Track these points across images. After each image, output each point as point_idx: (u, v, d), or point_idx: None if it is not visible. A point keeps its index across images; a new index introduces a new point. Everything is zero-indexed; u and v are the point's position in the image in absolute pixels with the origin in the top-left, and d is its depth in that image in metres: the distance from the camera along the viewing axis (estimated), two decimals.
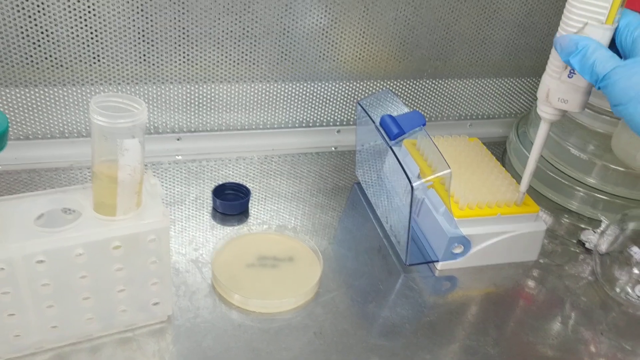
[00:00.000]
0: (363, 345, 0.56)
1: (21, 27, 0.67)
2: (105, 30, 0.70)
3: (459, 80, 0.90)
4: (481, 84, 0.92)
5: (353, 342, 0.56)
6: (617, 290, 0.67)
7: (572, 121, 0.79)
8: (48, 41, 0.69)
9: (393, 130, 0.61)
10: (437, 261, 0.66)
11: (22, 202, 0.49)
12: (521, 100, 0.96)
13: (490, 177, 0.69)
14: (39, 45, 0.69)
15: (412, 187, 0.58)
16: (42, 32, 0.68)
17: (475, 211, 0.65)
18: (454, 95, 0.92)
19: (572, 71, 0.56)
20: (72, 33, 0.69)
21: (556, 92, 0.58)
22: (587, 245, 0.73)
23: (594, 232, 0.73)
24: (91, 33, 0.70)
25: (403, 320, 0.59)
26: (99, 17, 0.69)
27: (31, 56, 0.69)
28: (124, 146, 0.45)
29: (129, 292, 0.51)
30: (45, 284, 0.47)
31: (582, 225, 0.77)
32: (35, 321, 0.49)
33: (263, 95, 0.82)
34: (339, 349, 0.55)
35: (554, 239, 0.74)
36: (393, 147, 0.62)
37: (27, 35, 0.68)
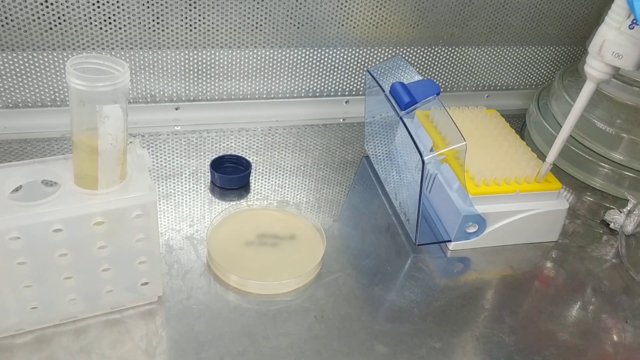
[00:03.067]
0: (367, 331, 0.52)
1: None
2: None
3: (476, 48, 0.85)
4: (500, 52, 0.86)
5: (356, 327, 0.52)
6: None
7: (598, 92, 0.73)
8: (36, 1, 0.64)
9: (404, 99, 0.57)
10: (450, 241, 0.61)
11: None
12: (543, 71, 0.90)
13: (509, 152, 0.64)
14: (26, 6, 0.64)
15: (423, 160, 0.53)
16: None
17: (492, 188, 0.60)
18: (471, 64, 0.86)
19: (634, 22, 0.51)
20: None
21: (612, 44, 0.53)
22: (611, 225, 0.68)
23: (620, 211, 0.68)
24: None
25: (411, 305, 0.55)
26: None
27: (18, 17, 0.65)
28: (104, 113, 0.41)
29: (114, 272, 0.48)
30: (21, 262, 0.43)
31: (606, 204, 0.72)
32: (13, 301, 0.45)
33: (267, 62, 0.77)
34: (341, 334, 0.51)
35: (576, 219, 0.70)
36: (404, 118, 0.57)
37: None
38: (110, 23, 0.68)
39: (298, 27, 0.75)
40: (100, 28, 0.68)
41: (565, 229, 0.67)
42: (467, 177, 0.60)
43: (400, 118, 0.56)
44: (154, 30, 0.70)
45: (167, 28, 0.70)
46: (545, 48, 0.88)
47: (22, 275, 0.44)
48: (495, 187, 0.60)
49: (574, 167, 0.76)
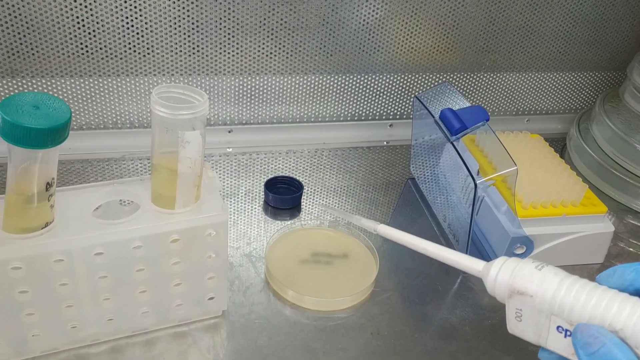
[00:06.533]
0: (422, 347, 0.54)
1: (78, 17, 0.67)
2: (159, 21, 0.69)
3: (517, 74, 0.87)
4: (541, 78, 0.88)
5: (411, 344, 0.54)
6: None
7: (638, 117, 0.75)
8: (103, 31, 0.69)
9: (455, 125, 0.59)
10: None
11: (81, 194, 0.48)
12: (582, 96, 0.92)
13: (555, 176, 0.65)
14: (95, 36, 0.69)
15: (475, 184, 0.55)
16: (97, 22, 0.68)
17: (540, 211, 0.62)
18: (512, 90, 0.88)
19: None
20: (127, 24, 0.69)
21: None
22: None
23: None
24: (145, 24, 0.69)
25: (463, 323, 0.57)
26: (153, 8, 0.68)
27: (87, 46, 0.69)
28: (185, 138, 0.44)
29: (185, 286, 0.50)
30: (102, 277, 0.46)
31: None
32: (92, 313, 0.48)
33: (315, 87, 0.80)
34: (397, 350, 0.53)
35: (619, 241, 0.71)
36: (454, 143, 0.59)
37: (84, 25, 0.68)
38: (170, 51, 0.72)
39: (346, 55, 0.78)
40: (161, 55, 0.72)
41: (610, 251, 0.68)
42: (515, 199, 0.62)
43: (452, 143, 0.59)
44: (210, 58, 0.74)
45: (224, 56, 0.74)
46: (584, 74, 0.90)
47: (103, 288, 0.47)
48: (542, 209, 0.62)
49: (617, 190, 0.77)
